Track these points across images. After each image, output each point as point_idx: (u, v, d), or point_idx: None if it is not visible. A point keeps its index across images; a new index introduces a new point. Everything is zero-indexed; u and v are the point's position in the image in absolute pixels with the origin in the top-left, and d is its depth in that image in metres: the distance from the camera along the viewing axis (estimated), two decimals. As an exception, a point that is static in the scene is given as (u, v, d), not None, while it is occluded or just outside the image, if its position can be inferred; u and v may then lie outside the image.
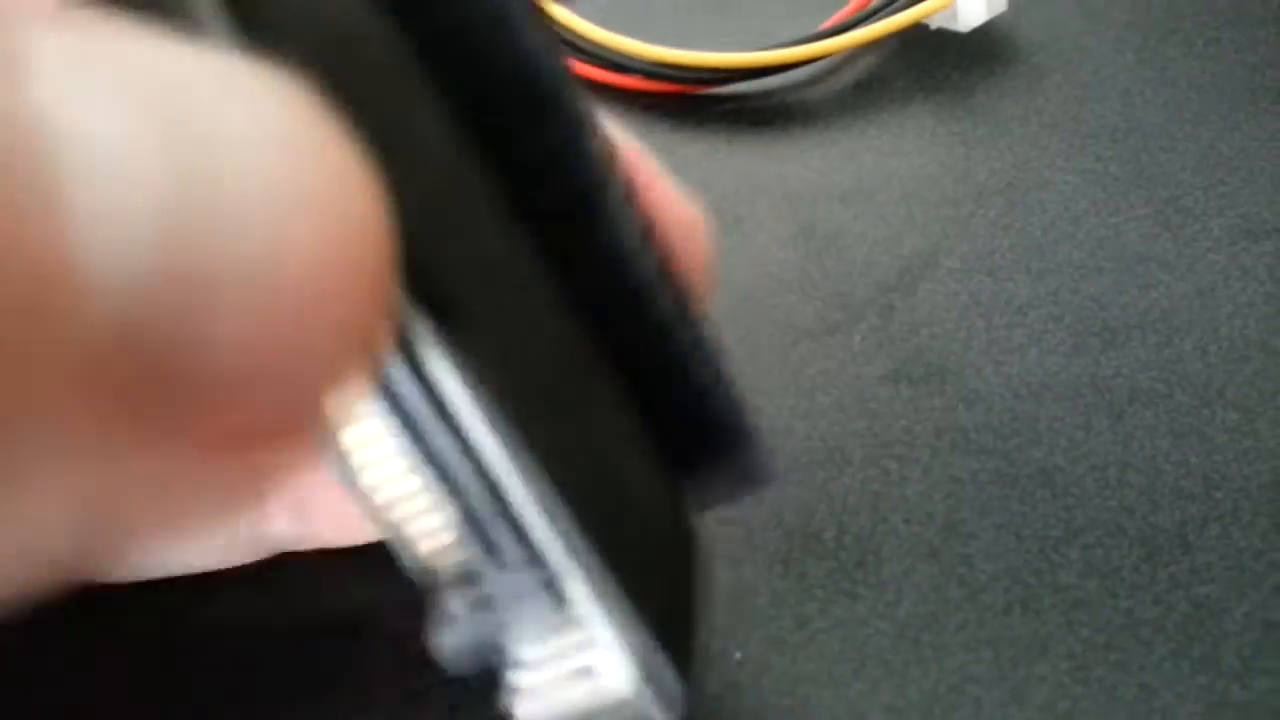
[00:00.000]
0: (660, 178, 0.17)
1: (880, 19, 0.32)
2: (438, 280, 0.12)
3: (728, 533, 0.23)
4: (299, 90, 0.10)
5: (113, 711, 0.21)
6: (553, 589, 0.13)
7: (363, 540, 0.21)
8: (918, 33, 0.33)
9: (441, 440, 0.12)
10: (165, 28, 0.10)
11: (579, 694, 0.14)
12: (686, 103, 0.34)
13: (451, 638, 0.14)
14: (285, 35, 0.10)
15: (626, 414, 0.16)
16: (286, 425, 0.10)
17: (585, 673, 0.14)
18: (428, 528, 0.13)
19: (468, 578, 0.14)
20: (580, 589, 0.13)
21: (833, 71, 0.34)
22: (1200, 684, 0.21)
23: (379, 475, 0.13)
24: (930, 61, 0.33)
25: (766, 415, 0.25)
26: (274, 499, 0.21)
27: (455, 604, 0.14)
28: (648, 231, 0.15)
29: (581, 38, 0.34)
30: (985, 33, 0.33)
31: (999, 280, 0.28)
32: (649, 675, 0.14)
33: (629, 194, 0.15)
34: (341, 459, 0.13)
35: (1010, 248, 0.29)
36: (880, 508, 0.24)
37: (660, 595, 0.15)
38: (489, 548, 0.13)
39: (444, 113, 0.13)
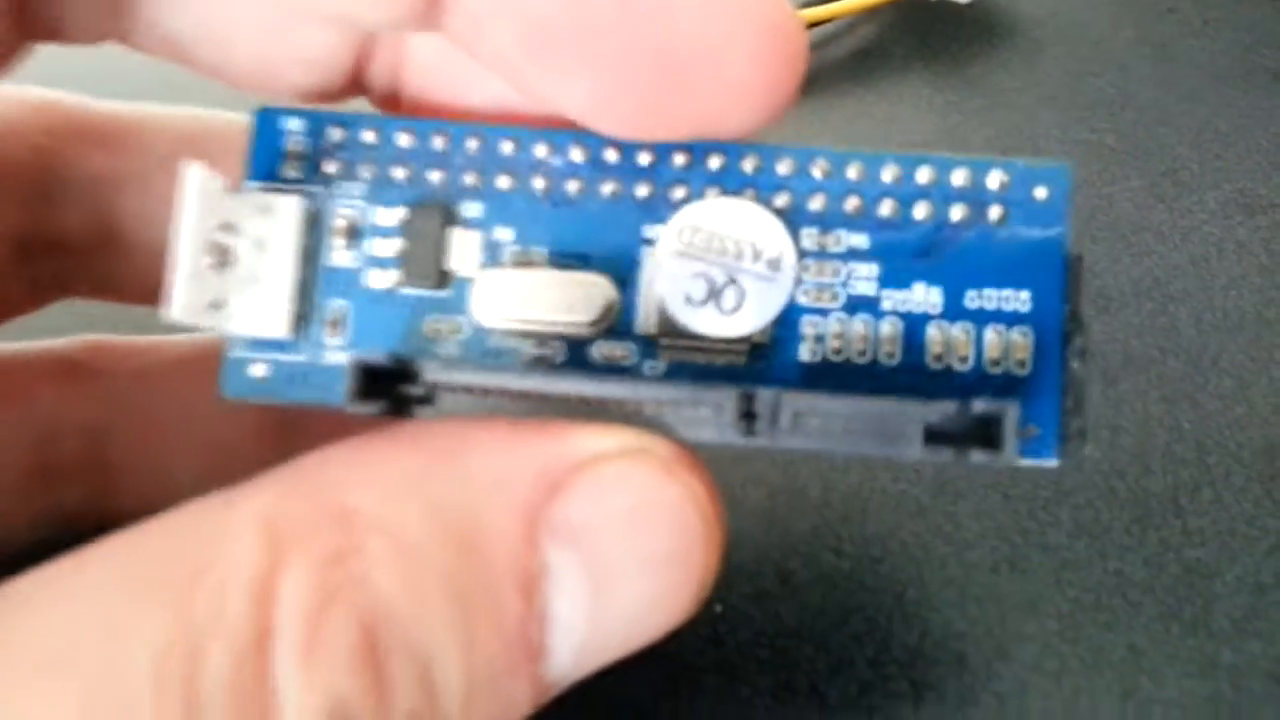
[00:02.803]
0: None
1: (879, -13, 0.32)
2: None
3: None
4: None
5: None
6: None
7: None
8: (916, 3, 0.33)
9: None
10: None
11: None
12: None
13: None
14: None
15: None
16: None
17: None
18: None
19: None
20: None
21: (830, 40, 0.33)
22: (1190, 646, 0.20)
23: None
24: (929, 32, 0.33)
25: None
26: None
27: None
28: None
29: None
30: (984, 4, 0.33)
31: (992, 247, 0.28)
32: None
33: None
34: None
35: (1004, 215, 0.28)
36: (867, 464, 0.23)
37: None
38: None
39: None
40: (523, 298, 0.16)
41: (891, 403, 0.14)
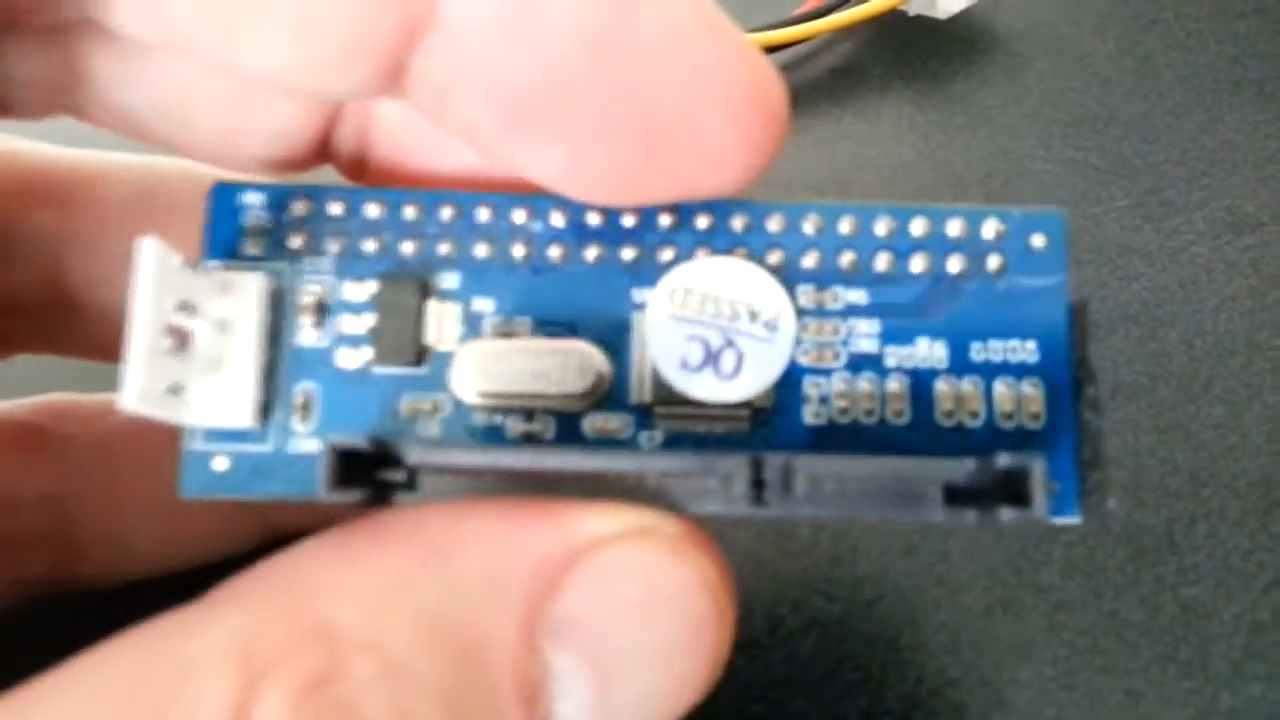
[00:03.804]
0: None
1: (858, 4, 0.31)
2: None
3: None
4: None
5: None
6: None
7: None
8: (896, 19, 0.32)
9: None
10: None
11: None
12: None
13: None
14: None
15: None
16: None
17: None
18: None
19: None
20: None
21: (808, 58, 0.33)
22: (1188, 689, 0.20)
23: None
24: (908, 48, 0.32)
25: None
26: None
27: None
28: None
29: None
30: (964, 20, 0.32)
31: (978, 271, 0.27)
32: None
33: None
34: None
35: (990, 238, 0.28)
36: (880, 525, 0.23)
37: None
38: None
39: None
40: (506, 370, 0.15)
41: (909, 462, 0.14)
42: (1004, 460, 0.13)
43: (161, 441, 0.18)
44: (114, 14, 0.14)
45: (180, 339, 0.14)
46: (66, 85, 0.15)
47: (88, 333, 0.19)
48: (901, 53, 0.32)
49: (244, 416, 0.15)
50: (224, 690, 0.11)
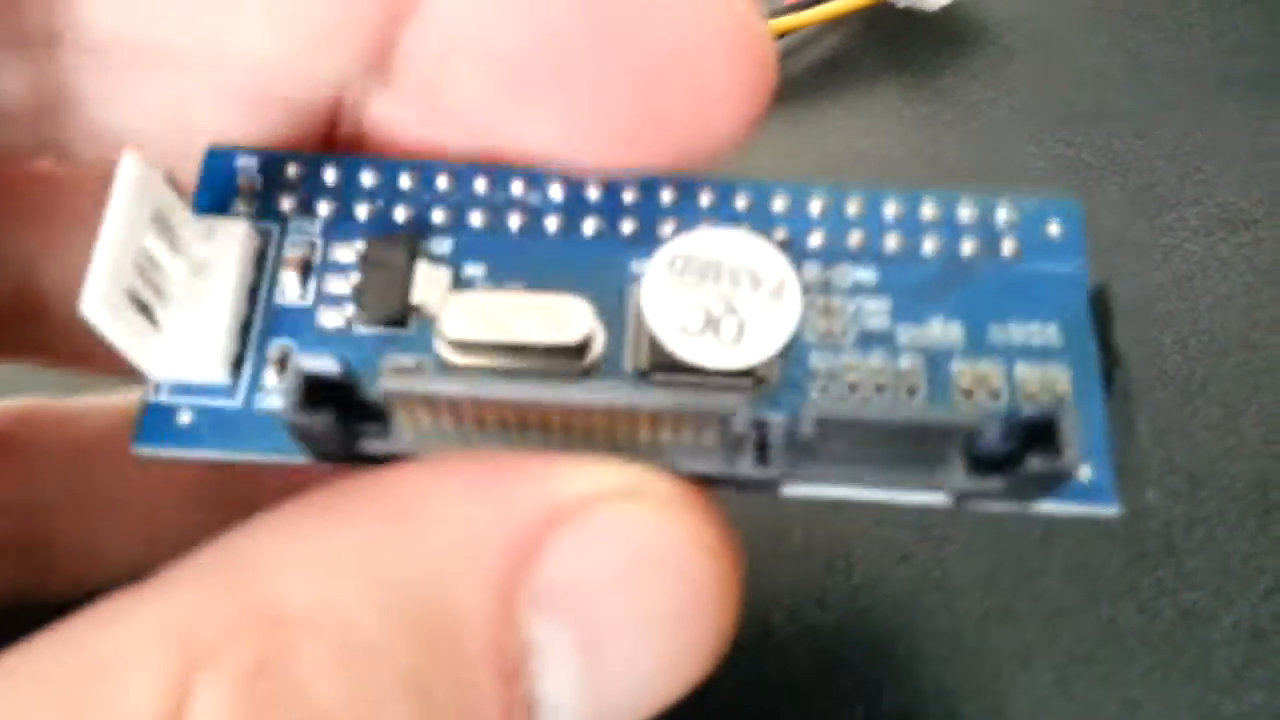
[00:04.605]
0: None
1: (845, -5, 0.31)
2: None
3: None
4: None
5: None
6: None
7: None
8: (884, 10, 0.32)
9: None
10: None
11: None
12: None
13: None
14: None
15: None
16: None
17: None
18: None
19: None
20: None
21: (795, 50, 0.32)
22: (1189, 697, 0.20)
23: None
24: (897, 41, 0.32)
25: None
26: None
27: None
28: None
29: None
30: (954, 12, 0.32)
31: (970, 269, 0.27)
32: None
33: None
34: None
35: (981, 235, 0.27)
36: (850, 509, 0.22)
37: None
38: None
39: None
40: (495, 319, 0.13)
41: (930, 413, 0.13)
42: (1031, 409, 0.12)
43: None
44: (82, 19, 0.14)
45: (152, 264, 0.13)
46: (51, 111, 0.15)
47: (60, 341, 0.18)
48: (890, 45, 0.32)
49: (213, 368, 0.14)
50: (155, 682, 0.10)
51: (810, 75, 0.32)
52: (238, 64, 0.14)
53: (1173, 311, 0.25)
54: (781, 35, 0.31)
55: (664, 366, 0.14)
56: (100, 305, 0.12)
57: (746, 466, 0.13)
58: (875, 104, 0.31)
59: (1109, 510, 0.14)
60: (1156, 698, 0.20)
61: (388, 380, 0.12)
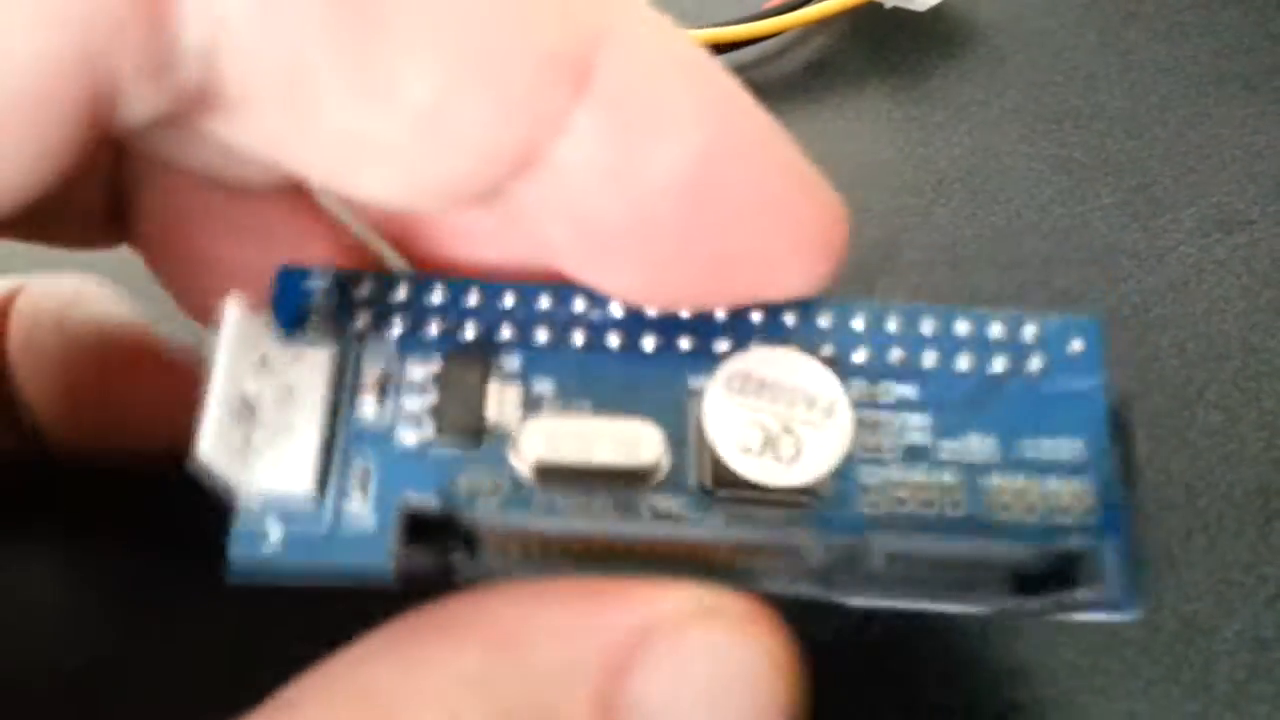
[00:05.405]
0: None
1: (832, -4, 0.30)
2: None
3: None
4: None
5: None
6: None
7: None
8: (872, 11, 0.31)
9: None
10: None
11: None
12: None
13: None
14: None
15: None
16: None
17: None
18: None
19: None
20: None
21: (782, 52, 0.32)
22: (1191, 711, 0.19)
23: None
24: (885, 41, 0.31)
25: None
26: None
27: None
28: None
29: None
30: (942, 12, 0.31)
31: (962, 273, 0.26)
32: None
33: None
34: None
35: (974, 239, 0.27)
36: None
37: None
38: None
39: None
40: (571, 443, 0.14)
41: (979, 541, 0.14)
42: (1075, 541, 0.14)
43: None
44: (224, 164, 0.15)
45: (251, 403, 0.14)
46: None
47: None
48: (878, 46, 0.31)
49: (304, 481, 0.14)
50: None
51: (796, 78, 0.31)
52: (362, 200, 0.15)
53: (1169, 315, 0.25)
54: (766, 37, 0.31)
55: (728, 484, 0.15)
56: (214, 452, 0.13)
57: (809, 588, 0.15)
58: (864, 106, 0.30)
59: (1130, 617, 0.15)
60: (1159, 711, 0.19)
61: (486, 515, 0.14)
